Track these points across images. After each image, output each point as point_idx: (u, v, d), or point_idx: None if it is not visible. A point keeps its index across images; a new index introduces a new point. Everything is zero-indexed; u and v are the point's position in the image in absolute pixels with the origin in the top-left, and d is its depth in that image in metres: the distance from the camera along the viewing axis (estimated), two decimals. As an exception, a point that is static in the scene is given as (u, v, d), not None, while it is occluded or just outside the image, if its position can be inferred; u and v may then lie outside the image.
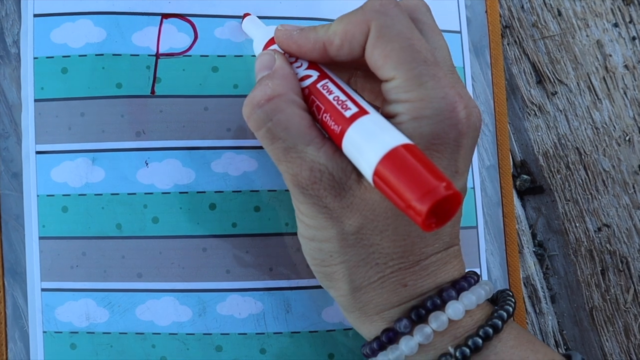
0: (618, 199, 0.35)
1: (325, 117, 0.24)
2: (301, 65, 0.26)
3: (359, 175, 0.23)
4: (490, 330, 0.24)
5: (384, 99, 0.24)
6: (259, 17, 0.31)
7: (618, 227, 0.34)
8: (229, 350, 0.30)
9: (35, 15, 0.31)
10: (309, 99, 0.25)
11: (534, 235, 0.34)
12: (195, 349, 0.30)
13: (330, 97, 0.24)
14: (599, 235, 0.34)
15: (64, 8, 0.31)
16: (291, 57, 0.26)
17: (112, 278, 0.30)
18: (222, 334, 0.30)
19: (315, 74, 0.25)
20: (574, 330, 0.34)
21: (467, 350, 0.23)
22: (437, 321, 0.24)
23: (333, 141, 0.24)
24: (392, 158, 0.20)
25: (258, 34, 0.29)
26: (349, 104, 0.23)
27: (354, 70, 0.28)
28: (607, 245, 0.34)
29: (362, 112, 0.23)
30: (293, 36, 0.25)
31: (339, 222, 0.24)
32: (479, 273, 0.32)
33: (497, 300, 0.27)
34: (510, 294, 0.26)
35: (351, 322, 0.26)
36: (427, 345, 0.24)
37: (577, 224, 0.34)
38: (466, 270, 0.26)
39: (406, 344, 0.24)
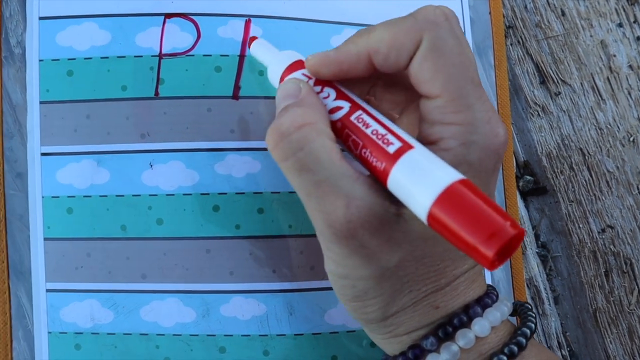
0: (622, 200, 0.35)
1: (365, 152, 0.22)
2: (328, 95, 0.24)
3: (398, 206, 0.22)
4: (515, 348, 0.23)
5: (423, 119, 0.23)
6: (262, 17, 0.31)
7: (622, 229, 0.34)
8: (232, 351, 0.30)
9: (40, 18, 0.31)
10: (342, 132, 0.23)
11: (537, 237, 0.34)
12: (198, 350, 0.30)
13: (369, 131, 0.22)
14: (603, 237, 0.34)
15: (69, 11, 0.31)
16: (316, 87, 0.24)
17: (116, 279, 0.30)
18: (225, 335, 0.30)
19: (346, 105, 0.23)
20: (577, 332, 0.34)
21: None
22: (464, 338, 0.23)
23: (370, 174, 0.22)
24: (448, 197, 0.19)
25: (272, 60, 0.27)
26: (391, 137, 0.21)
27: (375, 79, 0.26)
28: (611, 247, 0.34)
29: (407, 146, 0.21)
30: (330, 56, 0.23)
31: (377, 259, 0.22)
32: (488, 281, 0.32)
33: (515, 312, 0.26)
34: (529, 307, 0.26)
35: (374, 340, 0.26)
36: None
37: (581, 225, 0.34)
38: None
39: None
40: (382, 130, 0.22)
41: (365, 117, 0.22)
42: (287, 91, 0.24)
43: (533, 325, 0.24)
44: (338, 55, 0.23)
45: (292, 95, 0.23)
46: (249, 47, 0.30)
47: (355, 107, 0.23)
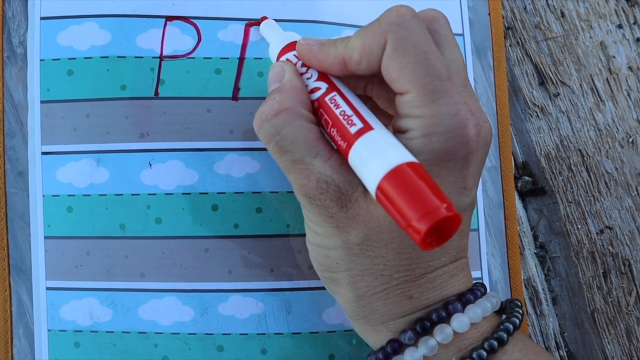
0: (621, 201, 0.35)
1: (333, 131, 0.24)
2: (311, 76, 0.26)
3: (366, 188, 0.23)
4: (495, 343, 0.24)
5: (396, 112, 0.24)
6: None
7: (620, 230, 0.34)
8: (230, 350, 0.30)
9: (42, 18, 0.31)
10: (318, 111, 0.25)
11: (535, 237, 0.34)
12: (196, 348, 0.30)
13: (337, 112, 0.24)
14: (601, 238, 0.34)
15: (70, 11, 0.31)
16: (302, 67, 0.26)
17: (115, 278, 0.30)
18: (223, 334, 0.30)
19: (324, 86, 0.25)
20: (575, 333, 0.34)
21: None
22: (442, 334, 0.24)
23: (341, 154, 0.24)
24: (395, 175, 0.21)
25: (275, 38, 0.29)
26: (355, 119, 0.23)
27: (371, 77, 0.27)
28: (610, 248, 0.34)
29: (368, 127, 0.23)
30: (314, 50, 0.25)
31: (344, 232, 0.24)
32: (480, 275, 0.32)
33: (505, 309, 0.27)
34: (519, 304, 0.26)
35: (357, 330, 0.27)
36: (431, 357, 0.24)
37: (579, 226, 0.34)
38: (474, 282, 0.26)
39: (411, 356, 0.24)
40: (349, 112, 0.24)
41: (337, 98, 0.24)
42: (274, 75, 0.26)
43: (517, 321, 0.25)
44: (319, 53, 0.25)
45: (277, 79, 0.26)
46: (259, 26, 0.31)
47: (331, 88, 0.25)
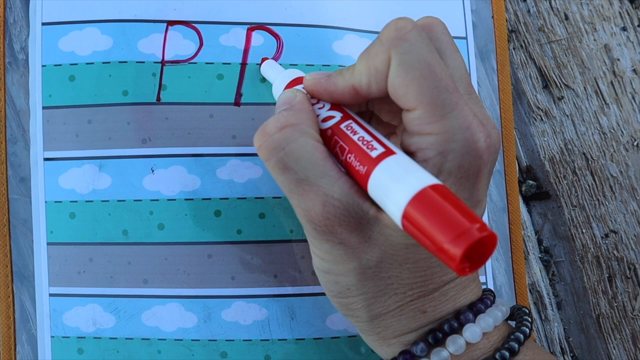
0: (626, 205, 0.34)
1: (350, 157, 0.23)
2: (323, 106, 0.25)
3: (378, 209, 0.23)
4: (507, 354, 0.23)
5: (404, 130, 0.23)
6: (265, 25, 0.31)
7: (626, 234, 0.34)
8: (234, 356, 0.30)
9: (43, 24, 0.31)
10: (331, 140, 0.24)
11: (539, 241, 0.34)
12: (200, 355, 0.30)
13: (355, 138, 0.23)
14: (606, 242, 0.34)
15: (71, 17, 0.31)
16: (313, 99, 0.26)
17: (118, 284, 0.30)
18: (227, 340, 0.30)
19: (338, 115, 0.24)
20: (580, 338, 0.33)
21: None
22: (454, 344, 0.23)
23: (350, 177, 0.23)
24: (421, 200, 0.20)
25: (277, 77, 0.28)
26: (375, 144, 0.22)
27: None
28: (615, 252, 0.34)
29: (389, 152, 0.22)
30: (322, 83, 0.25)
31: (356, 257, 0.23)
32: (484, 280, 0.32)
33: (513, 316, 0.26)
34: (527, 311, 0.26)
35: (368, 342, 0.26)
36: None
37: (584, 230, 0.34)
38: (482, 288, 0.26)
39: None
40: (367, 137, 0.23)
41: (354, 125, 0.24)
42: (283, 99, 0.25)
43: (527, 330, 0.24)
44: (327, 85, 0.24)
45: (287, 102, 0.24)
46: (260, 66, 0.31)
47: (346, 117, 0.24)
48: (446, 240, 0.18)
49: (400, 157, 0.22)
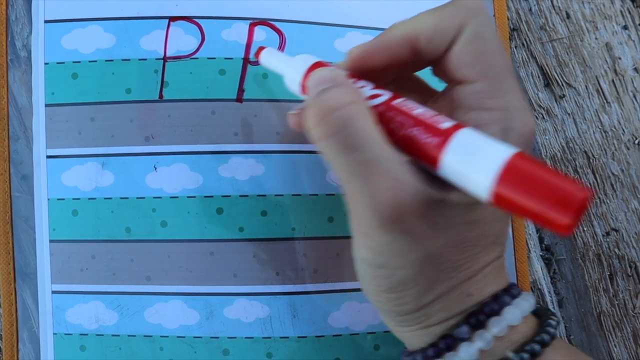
0: (627, 203, 0.34)
1: (413, 131, 0.21)
2: (364, 86, 0.23)
3: (442, 190, 0.21)
4: (546, 337, 0.23)
5: (456, 106, 0.22)
6: (267, 20, 0.31)
7: (627, 232, 0.34)
8: (236, 354, 0.30)
9: (46, 22, 0.31)
10: (383, 117, 0.22)
11: (541, 240, 0.34)
12: (202, 352, 0.30)
13: (417, 112, 0.21)
14: (607, 240, 0.34)
15: (74, 14, 0.31)
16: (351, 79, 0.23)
17: (121, 281, 0.30)
18: (229, 337, 0.30)
19: (387, 93, 0.23)
20: (581, 336, 0.33)
21: (527, 356, 0.23)
22: (498, 326, 0.23)
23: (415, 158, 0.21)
24: (514, 168, 0.18)
25: (288, 67, 0.25)
26: (441, 118, 0.21)
27: (390, 81, 0.26)
28: (616, 250, 0.34)
29: (459, 124, 0.20)
30: (376, 43, 0.23)
31: (421, 246, 0.21)
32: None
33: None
34: (545, 307, 0.26)
35: (398, 334, 0.25)
36: (486, 351, 0.23)
37: (585, 228, 0.34)
38: None
39: (467, 350, 0.23)
40: (430, 112, 0.21)
41: (409, 102, 0.22)
42: (323, 77, 0.22)
43: (555, 320, 0.24)
44: (383, 40, 0.23)
45: (328, 80, 0.22)
46: (257, 57, 0.29)
47: (396, 95, 0.23)
48: (551, 205, 0.18)
49: (473, 130, 0.20)
